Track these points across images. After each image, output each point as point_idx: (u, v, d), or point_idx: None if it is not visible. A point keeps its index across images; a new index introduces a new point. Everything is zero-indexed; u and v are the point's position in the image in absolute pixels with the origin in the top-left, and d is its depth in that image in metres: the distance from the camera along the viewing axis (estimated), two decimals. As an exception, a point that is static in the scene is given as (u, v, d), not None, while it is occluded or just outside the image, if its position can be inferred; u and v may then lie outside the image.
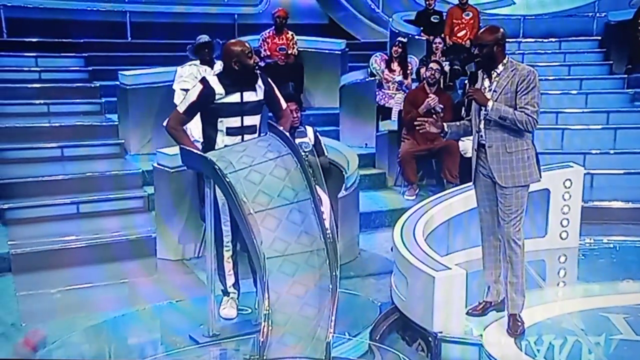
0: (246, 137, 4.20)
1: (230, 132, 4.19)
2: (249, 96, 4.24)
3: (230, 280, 4.40)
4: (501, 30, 4.21)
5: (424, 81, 7.26)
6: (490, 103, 4.03)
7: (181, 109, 4.25)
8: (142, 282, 5.23)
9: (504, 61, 4.12)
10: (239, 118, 4.20)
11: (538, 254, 5.58)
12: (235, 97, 4.19)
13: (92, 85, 8.50)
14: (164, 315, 4.57)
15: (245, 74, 4.20)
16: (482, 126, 4.14)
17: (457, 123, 4.39)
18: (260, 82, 4.31)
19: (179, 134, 4.24)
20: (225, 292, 4.44)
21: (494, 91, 4.09)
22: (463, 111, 4.43)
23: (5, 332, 4.37)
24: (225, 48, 4.27)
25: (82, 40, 9.29)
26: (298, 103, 5.81)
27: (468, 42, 9.29)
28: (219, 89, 4.16)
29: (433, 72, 7.15)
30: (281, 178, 3.80)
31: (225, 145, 4.12)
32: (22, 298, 4.89)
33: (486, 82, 4.15)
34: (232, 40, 4.35)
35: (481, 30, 4.32)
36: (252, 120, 4.26)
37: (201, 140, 4.46)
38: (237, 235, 4.17)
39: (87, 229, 5.83)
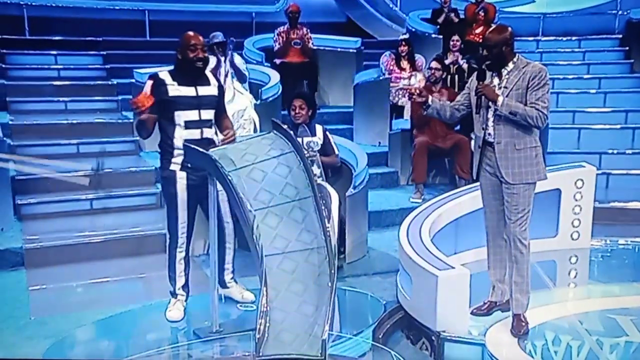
0: (204, 130, 4.27)
1: (189, 125, 4.23)
2: (204, 90, 4.31)
3: (180, 282, 4.42)
4: (509, 29, 4.17)
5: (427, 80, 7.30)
6: (500, 98, 4.00)
7: None
8: (151, 278, 5.27)
9: (514, 59, 4.09)
10: (196, 111, 4.25)
11: (548, 254, 5.55)
12: (189, 91, 4.26)
13: (110, 83, 8.61)
14: (170, 311, 4.61)
15: (185, 66, 4.25)
16: (490, 123, 4.11)
17: (442, 103, 4.39)
18: (213, 79, 4.41)
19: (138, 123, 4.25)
20: (173, 294, 4.45)
21: (505, 87, 4.06)
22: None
23: (14, 324, 4.45)
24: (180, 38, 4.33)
25: (101, 39, 9.41)
26: (310, 101, 5.79)
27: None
28: (169, 80, 4.24)
29: (433, 71, 7.18)
30: (283, 176, 3.82)
31: (184, 140, 4.19)
32: (34, 292, 4.96)
33: (495, 80, 4.12)
34: (187, 32, 4.34)
35: (489, 31, 4.29)
36: (209, 114, 4.32)
37: None
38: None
39: (100, 225, 5.90)
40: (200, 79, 4.30)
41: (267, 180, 3.79)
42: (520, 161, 4.06)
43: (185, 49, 4.23)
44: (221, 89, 4.45)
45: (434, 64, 7.29)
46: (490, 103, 4.06)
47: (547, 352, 4.03)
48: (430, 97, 4.34)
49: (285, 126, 4.09)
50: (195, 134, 4.22)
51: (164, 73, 4.29)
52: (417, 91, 4.33)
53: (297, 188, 3.79)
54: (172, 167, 4.27)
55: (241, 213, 3.68)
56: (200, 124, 4.25)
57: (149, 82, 4.23)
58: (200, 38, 4.30)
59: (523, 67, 4.04)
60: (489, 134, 4.12)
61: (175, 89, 4.22)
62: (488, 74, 4.14)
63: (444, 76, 7.43)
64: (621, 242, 6.15)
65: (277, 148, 3.93)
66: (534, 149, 4.08)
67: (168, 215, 4.38)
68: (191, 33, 4.31)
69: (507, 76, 4.06)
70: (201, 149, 4.06)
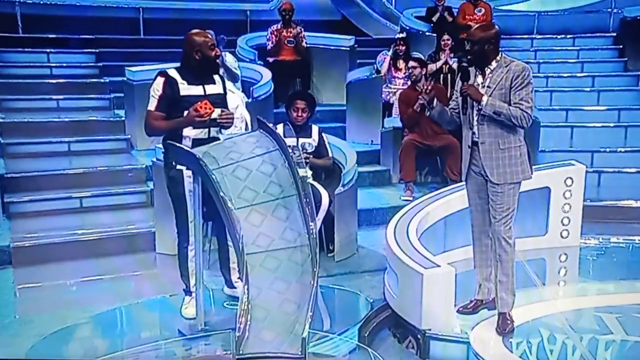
0: (211, 129, 4.21)
1: (197, 125, 4.15)
2: (211, 89, 4.26)
3: (193, 279, 4.37)
4: (495, 28, 4.18)
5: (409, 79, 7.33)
6: (484, 98, 4.00)
7: (152, 107, 4.22)
8: (140, 277, 5.27)
9: (497, 58, 4.09)
10: None
11: (538, 252, 5.56)
12: (198, 90, 4.21)
13: (102, 81, 8.59)
14: (156, 309, 4.63)
15: (205, 65, 4.22)
16: (475, 123, 4.11)
17: (446, 109, 4.32)
18: (217, 77, 4.35)
19: (163, 123, 4.20)
20: (187, 292, 4.43)
21: (488, 87, 4.06)
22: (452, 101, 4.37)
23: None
24: (188, 38, 4.26)
25: (93, 37, 9.39)
26: (311, 103, 5.82)
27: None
28: (179, 79, 4.18)
29: (411, 70, 7.20)
30: (268, 174, 3.81)
31: (193, 139, 4.14)
32: (20, 291, 4.96)
33: (479, 79, 4.12)
34: (195, 30, 4.29)
35: (474, 27, 4.28)
36: (215, 113, 4.20)
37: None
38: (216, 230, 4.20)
39: (89, 223, 5.90)
40: (206, 78, 4.26)
41: (251, 178, 3.78)
42: (505, 161, 4.05)
43: (206, 48, 4.19)
44: (225, 85, 4.42)
45: (412, 63, 7.32)
46: (474, 103, 4.05)
47: (531, 350, 4.03)
48: (435, 100, 4.27)
49: (271, 125, 4.09)
50: (202, 132, 4.18)
51: (172, 71, 4.23)
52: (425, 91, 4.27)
53: (282, 186, 3.79)
54: (179, 166, 4.17)
55: (224, 211, 3.67)
56: (208, 122, 4.19)
57: (161, 80, 4.18)
58: (209, 34, 4.27)
59: (506, 66, 4.03)
60: (474, 134, 4.12)
61: (185, 88, 4.18)
62: (472, 73, 4.13)
63: (424, 73, 7.38)
64: (611, 240, 6.15)
65: (262, 146, 3.92)
66: (519, 148, 4.08)
67: (176, 215, 4.30)
68: (202, 31, 4.28)
69: (490, 75, 4.06)
70: (185, 148, 4.06)
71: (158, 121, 4.20)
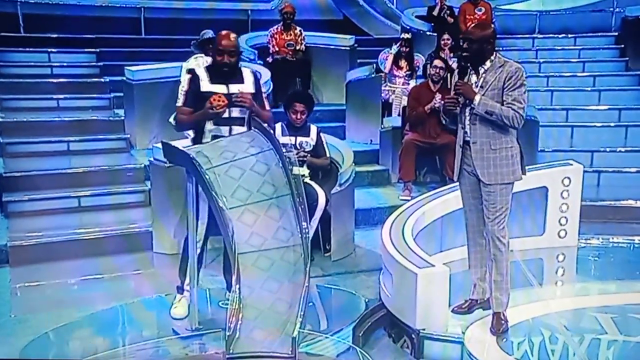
0: (234, 128, 4.23)
1: (218, 121, 4.19)
2: (236, 88, 4.26)
3: (188, 278, 4.34)
4: (492, 27, 4.20)
5: (429, 78, 7.22)
6: (477, 97, 3.99)
7: (179, 102, 4.38)
8: (137, 276, 5.28)
9: (492, 57, 4.08)
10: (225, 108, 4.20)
11: (535, 252, 5.54)
12: (221, 88, 4.24)
13: (103, 81, 8.61)
14: (151, 309, 4.61)
15: (220, 66, 4.26)
16: (467, 122, 4.11)
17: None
18: (250, 77, 4.36)
19: (187, 117, 4.29)
20: (180, 290, 4.42)
21: (481, 87, 4.05)
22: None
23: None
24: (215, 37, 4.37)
25: (94, 36, 9.41)
26: (310, 105, 5.82)
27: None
28: (203, 76, 4.27)
29: (437, 69, 7.09)
30: (261, 173, 3.83)
31: (213, 135, 4.19)
32: (17, 290, 4.97)
33: (473, 78, 4.11)
34: (223, 32, 4.33)
35: (472, 25, 4.28)
36: (239, 112, 4.25)
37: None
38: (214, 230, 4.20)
39: (88, 222, 5.90)
40: (233, 77, 4.28)
41: (245, 177, 3.79)
42: (496, 161, 4.04)
43: (215, 51, 4.28)
44: (258, 85, 4.42)
45: (438, 62, 7.18)
46: (467, 101, 4.04)
47: (525, 350, 4.02)
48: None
49: (265, 125, 4.09)
50: (224, 130, 4.21)
51: (201, 69, 4.38)
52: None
53: (275, 186, 3.80)
54: None
55: (217, 211, 3.68)
56: (229, 121, 4.20)
57: (187, 76, 4.37)
58: (232, 40, 4.26)
59: (500, 67, 4.02)
60: (466, 133, 4.11)
61: (207, 85, 4.25)
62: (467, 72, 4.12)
63: (445, 75, 7.37)
64: (609, 240, 6.13)
65: (256, 146, 3.94)
66: (510, 149, 4.06)
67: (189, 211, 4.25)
68: (223, 33, 4.31)
69: (484, 75, 4.05)
70: (180, 147, 4.07)
71: (183, 115, 4.32)
